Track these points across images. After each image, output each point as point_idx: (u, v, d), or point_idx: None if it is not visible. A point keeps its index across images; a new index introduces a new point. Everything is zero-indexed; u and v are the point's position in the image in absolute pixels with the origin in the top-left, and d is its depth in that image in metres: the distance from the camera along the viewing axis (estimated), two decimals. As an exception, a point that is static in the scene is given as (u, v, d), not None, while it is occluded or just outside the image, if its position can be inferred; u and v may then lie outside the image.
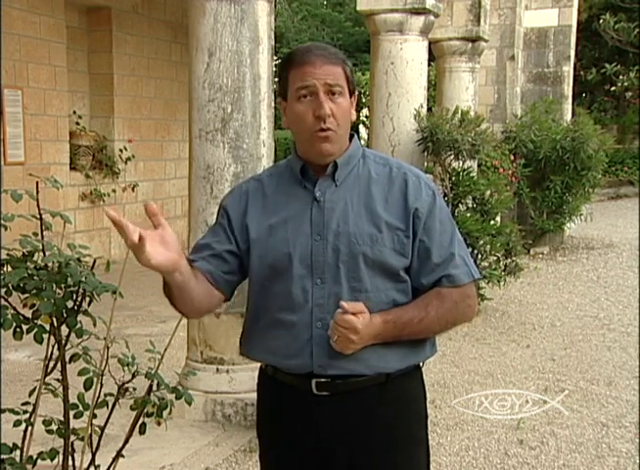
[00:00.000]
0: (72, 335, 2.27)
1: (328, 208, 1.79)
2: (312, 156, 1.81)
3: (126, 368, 2.38)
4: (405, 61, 6.10)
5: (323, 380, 1.78)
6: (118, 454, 2.45)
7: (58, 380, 2.35)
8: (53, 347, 2.31)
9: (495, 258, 6.57)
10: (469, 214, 6.28)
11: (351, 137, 1.86)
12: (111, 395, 2.42)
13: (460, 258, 1.82)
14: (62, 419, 2.37)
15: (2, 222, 2.22)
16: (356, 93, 1.87)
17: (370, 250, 1.75)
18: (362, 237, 1.75)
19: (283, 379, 1.84)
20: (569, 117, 10.53)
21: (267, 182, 1.89)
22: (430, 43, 6.62)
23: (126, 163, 9.04)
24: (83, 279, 2.20)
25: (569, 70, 10.70)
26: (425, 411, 1.94)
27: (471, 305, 1.85)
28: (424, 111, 6.26)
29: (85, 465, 2.39)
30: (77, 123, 8.56)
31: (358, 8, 6.27)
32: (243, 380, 3.87)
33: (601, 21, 14.97)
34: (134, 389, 2.41)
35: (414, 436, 1.88)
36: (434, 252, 1.79)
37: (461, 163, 6.47)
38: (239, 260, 1.85)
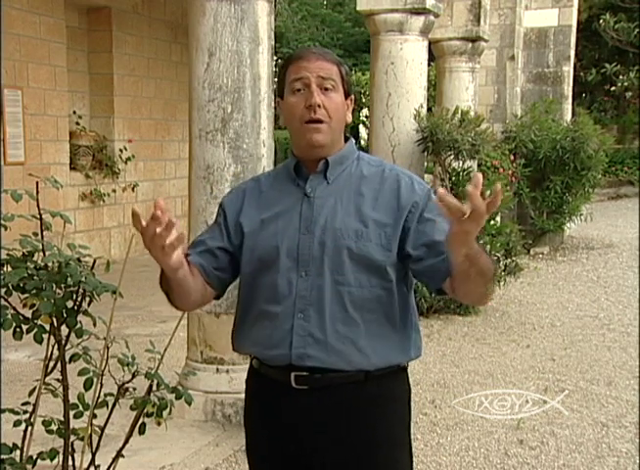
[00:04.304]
0: (72, 335, 2.27)
1: (317, 203, 1.82)
2: (303, 147, 1.84)
3: (126, 368, 2.38)
4: (405, 61, 6.10)
5: (302, 373, 1.80)
6: (118, 454, 2.45)
7: (58, 380, 2.34)
8: (53, 347, 2.31)
9: (495, 258, 6.57)
10: (469, 214, 6.27)
11: (347, 139, 1.90)
12: (111, 395, 2.42)
13: None
14: (62, 419, 2.37)
15: (2, 222, 2.22)
16: (352, 96, 1.89)
17: (354, 244, 1.77)
18: (348, 232, 1.77)
19: (266, 372, 1.88)
20: (569, 117, 10.53)
21: (264, 181, 1.95)
22: (430, 43, 6.63)
23: (126, 163, 9.04)
24: (83, 279, 2.20)
25: (569, 70, 10.70)
26: (408, 414, 1.94)
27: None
28: (424, 111, 6.26)
29: (85, 465, 2.39)
30: (77, 123, 8.56)
31: (358, 8, 6.27)
32: (243, 380, 3.85)
33: (601, 21, 14.97)
34: (134, 389, 2.41)
35: (394, 437, 1.88)
36: (437, 235, 1.73)
37: (461, 163, 6.48)
38: (229, 257, 1.88)
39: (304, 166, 1.86)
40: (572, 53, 10.79)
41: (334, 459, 1.83)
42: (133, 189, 9.26)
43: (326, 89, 1.79)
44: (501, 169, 8.55)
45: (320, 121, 1.79)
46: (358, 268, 1.77)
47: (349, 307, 1.77)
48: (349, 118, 1.88)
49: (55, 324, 2.25)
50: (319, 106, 1.77)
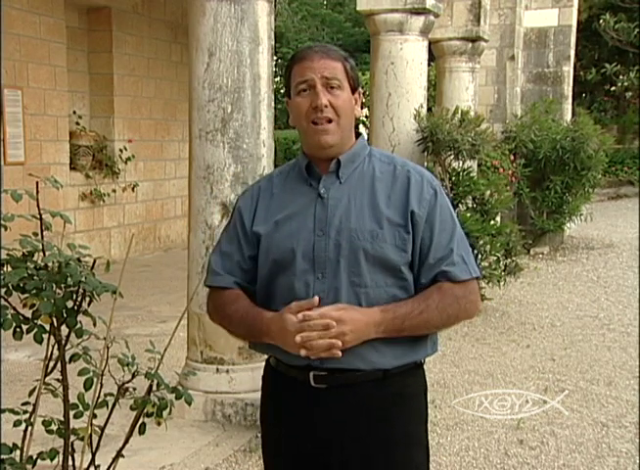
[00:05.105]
0: (72, 335, 2.27)
1: (331, 204, 1.82)
2: (313, 148, 1.85)
3: (126, 368, 2.37)
4: (405, 61, 6.10)
5: (321, 373, 1.80)
6: (118, 454, 2.45)
7: (58, 380, 2.34)
8: (53, 347, 2.30)
9: (495, 258, 6.57)
10: (469, 214, 6.28)
11: (358, 136, 1.90)
12: (111, 395, 2.42)
13: (458, 256, 1.82)
14: (62, 419, 2.36)
15: (2, 222, 2.22)
16: (360, 90, 1.90)
17: (370, 245, 1.77)
18: (363, 233, 1.78)
19: (283, 371, 1.88)
20: (569, 117, 10.53)
21: (276, 181, 1.94)
22: (430, 43, 6.62)
23: (126, 163, 9.04)
24: (83, 279, 2.19)
25: (569, 70, 10.70)
26: (425, 410, 1.94)
27: (473, 302, 1.86)
28: (424, 111, 6.26)
29: (85, 465, 2.39)
30: (77, 123, 8.57)
31: (358, 8, 6.27)
32: (243, 380, 3.87)
33: (601, 21, 14.98)
34: (134, 389, 2.41)
35: (411, 434, 1.89)
36: (432, 252, 1.81)
37: (461, 163, 6.47)
38: (255, 265, 1.89)
39: (316, 166, 1.86)
40: (572, 53, 10.79)
41: (352, 457, 1.83)
42: (133, 189, 9.27)
43: (332, 87, 1.80)
44: (501, 169, 8.55)
45: (329, 120, 1.80)
46: (374, 269, 1.78)
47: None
48: (359, 112, 1.89)
49: (55, 324, 2.24)
50: (326, 106, 1.79)
